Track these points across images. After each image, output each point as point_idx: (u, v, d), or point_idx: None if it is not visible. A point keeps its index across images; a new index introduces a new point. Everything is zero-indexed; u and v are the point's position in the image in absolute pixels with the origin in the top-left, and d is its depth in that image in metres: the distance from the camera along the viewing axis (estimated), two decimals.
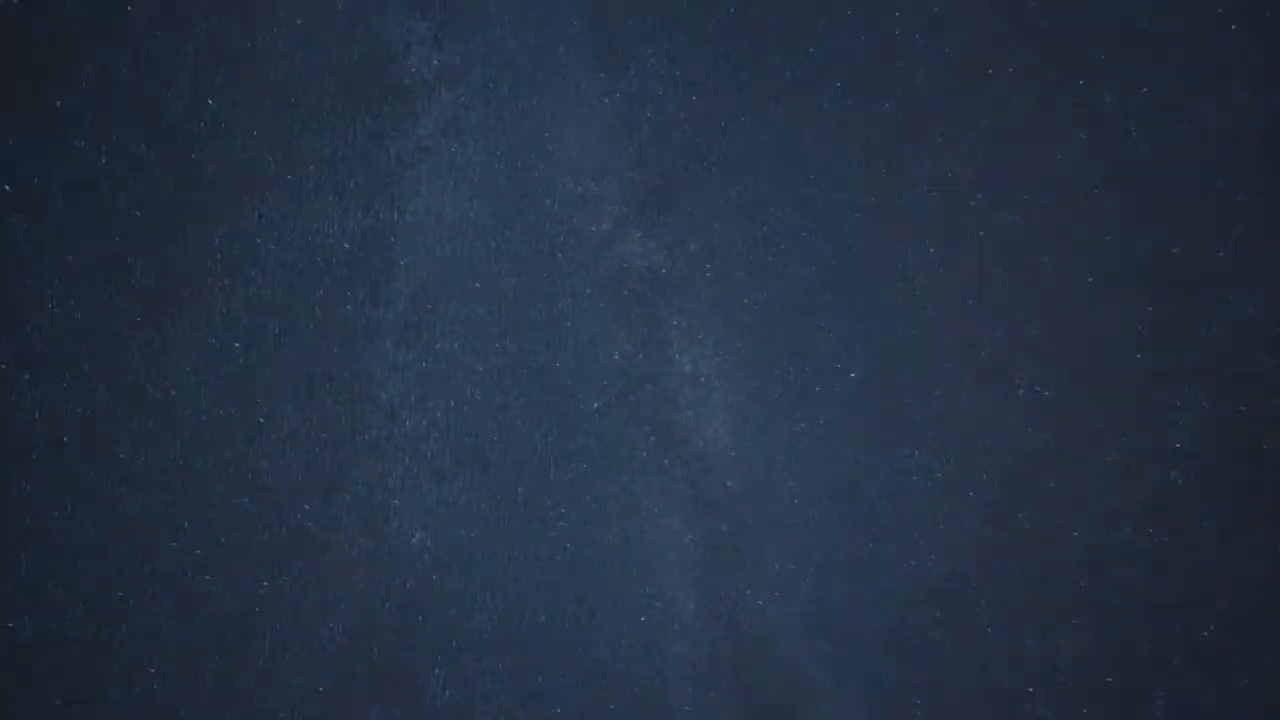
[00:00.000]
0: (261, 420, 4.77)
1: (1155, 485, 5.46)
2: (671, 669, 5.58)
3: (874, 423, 5.74)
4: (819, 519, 5.64)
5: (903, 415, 5.76)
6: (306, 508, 4.95)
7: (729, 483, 5.54)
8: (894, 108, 5.47)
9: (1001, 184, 5.71)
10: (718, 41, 5.21)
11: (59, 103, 4.37)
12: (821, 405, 5.60)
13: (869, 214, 5.55)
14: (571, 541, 5.36)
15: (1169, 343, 5.54)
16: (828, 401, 5.60)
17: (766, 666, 5.75)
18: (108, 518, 4.84)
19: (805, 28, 5.29)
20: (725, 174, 5.38)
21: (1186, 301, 5.57)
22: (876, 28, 5.45)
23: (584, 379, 5.42)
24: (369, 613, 5.07)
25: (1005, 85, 5.52)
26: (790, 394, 5.60)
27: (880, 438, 5.70)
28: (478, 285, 5.16)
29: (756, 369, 5.56)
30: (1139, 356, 5.51)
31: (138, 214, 4.67)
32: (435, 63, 5.03)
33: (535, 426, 5.35)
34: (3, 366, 4.36)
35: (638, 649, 5.54)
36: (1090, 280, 5.47)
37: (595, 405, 5.33)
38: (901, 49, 5.47)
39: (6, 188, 3.87)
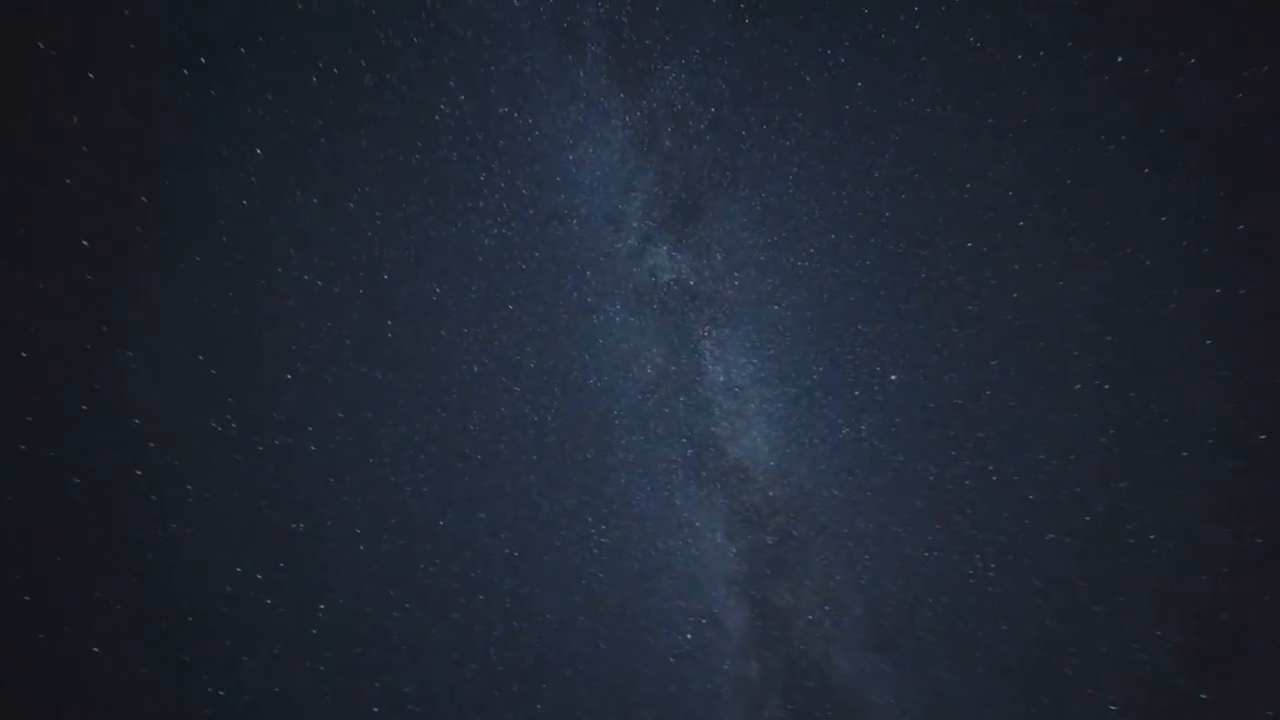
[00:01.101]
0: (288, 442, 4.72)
1: (1231, 481, 4.76)
2: (723, 687, 5.18)
3: (920, 426, 5.26)
4: (868, 528, 5.17)
5: (951, 417, 5.26)
6: (358, 530, 4.85)
7: (771, 493, 5.16)
8: (918, 105, 5.10)
9: (1037, 176, 5.22)
10: (734, 54, 5.00)
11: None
12: (862, 410, 5.17)
13: (900, 212, 5.16)
14: (613, 557, 5.08)
15: (1233, 334, 4.87)
16: (869, 405, 5.17)
17: (822, 684, 5.26)
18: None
19: (823, 33, 5.02)
20: (749, 183, 5.12)
21: (1251, 293, 4.92)
22: (897, 28, 5.11)
23: (618, 394, 5.19)
24: (410, 635, 4.91)
25: (1038, 77, 5.07)
26: (828, 399, 5.21)
27: (928, 441, 5.21)
28: (510, 307, 5.04)
29: (791, 376, 5.20)
30: (1208, 343, 4.86)
31: None
32: (462, 99, 5.01)
33: (571, 442, 5.14)
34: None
35: (686, 666, 5.16)
36: (1148, 264, 4.89)
37: (630, 419, 5.09)
38: (922, 47, 5.10)
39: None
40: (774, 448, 4.86)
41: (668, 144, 4.86)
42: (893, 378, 4.88)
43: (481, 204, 4.93)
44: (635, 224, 4.88)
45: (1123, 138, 4.84)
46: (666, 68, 4.84)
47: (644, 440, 4.90)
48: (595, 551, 4.89)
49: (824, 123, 4.97)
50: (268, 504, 4.91)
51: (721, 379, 4.86)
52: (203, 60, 4.61)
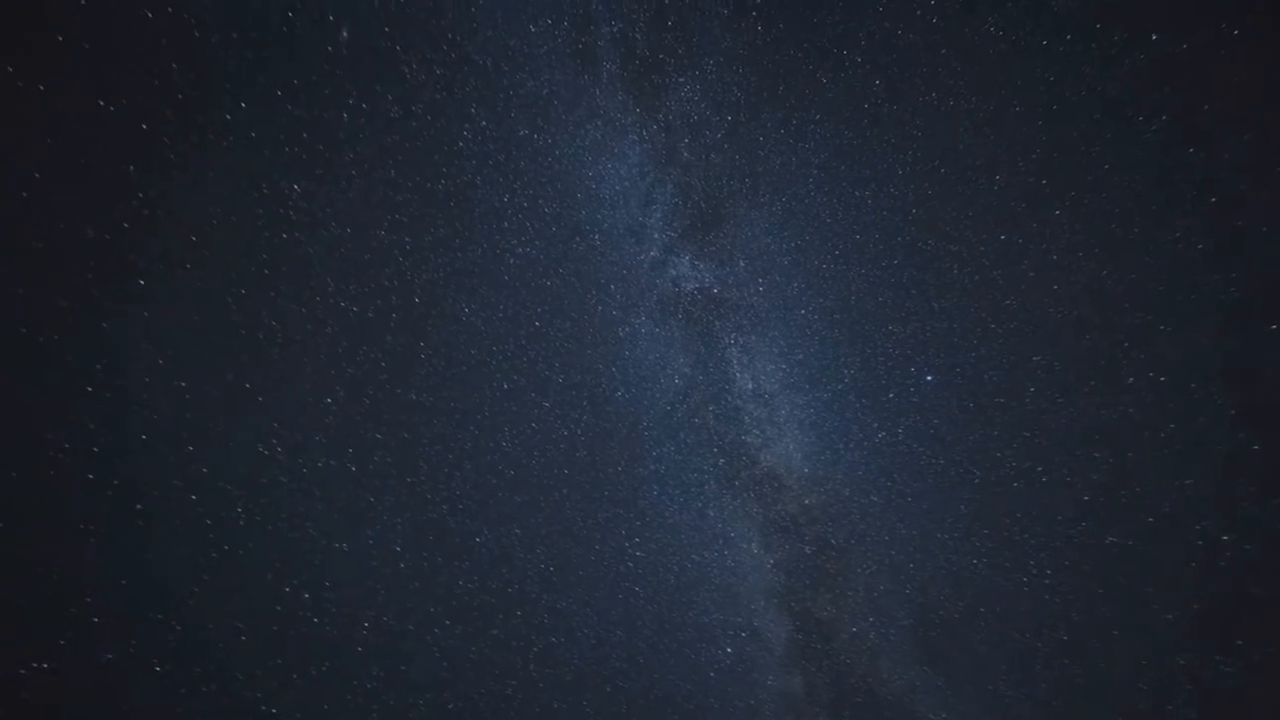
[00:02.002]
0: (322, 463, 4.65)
1: None
2: (766, 703, 4.82)
3: (961, 427, 4.85)
4: (911, 535, 4.77)
5: (994, 417, 4.84)
6: (398, 548, 4.74)
7: (806, 501, 4.82)
8: (940, 98, 4.78)
9: (1072, 161, 4.82)
10: (749, 61, 4.80)
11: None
12: (898, 413, 4.81)
13: (928, 208, 4.82)
14: (648, 570, 4.82)
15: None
16: (905, 408, 4.81)
17: (870, 699, 4.84)
18: None
19: (838, 34, 4.77)
20: (770, 188, 4.88)
21: None
22: (914, 23, 4.82)
23: (647, 405, 4.98)
24: (451, 652, 4.74)
25: (1066, 61, 4.69)
26: (862, 403, 4.87)
27: (970, 443, 4.80)
28: (537, 324, 4.90)
29: (822, 380, 4.88)
30: (1274, 328, 4.34)
31: None
32: (484, 124, 4.95)
33: (602, 456, 4.94)
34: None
35: (728, 682, 4.84)
36: (1200, 246, 4.42)
37: (660, 431, 4.85)
38: (941, 40, 4.80)
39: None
40: (807, 455, 4.53)
41: (686, 154, 4.67)
42: (929, 378, 4.50)
43: (506, 224, 4.84)
44: (657, 235, 4.70)
45: (1163, 116, 4.41)
46: (681, 80, 4.68)
47: (674, 451, 4.65)
48: (630, 565, 4.63)
49: (843, 123, 4.69)
50: (312, 525, 4.85)
51: (750, 386, 4.58)
52: (243, 105, 4.67)
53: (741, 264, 4.71)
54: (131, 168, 4.72)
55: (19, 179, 4.44)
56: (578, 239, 4.88)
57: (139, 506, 4.77)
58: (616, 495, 4.67)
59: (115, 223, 4.76)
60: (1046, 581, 4.36)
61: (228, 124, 4.78)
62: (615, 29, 4.85)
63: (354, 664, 4.93)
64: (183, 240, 4.82)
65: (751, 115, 4.77)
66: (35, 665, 4.74)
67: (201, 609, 4.88)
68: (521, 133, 4.90)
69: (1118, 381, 4.34)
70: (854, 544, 4.57)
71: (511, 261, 4.90)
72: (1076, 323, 4.49)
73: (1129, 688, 4.10)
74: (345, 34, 4.77)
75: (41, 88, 4.28)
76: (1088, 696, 4.15)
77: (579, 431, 4.78)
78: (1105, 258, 4.53)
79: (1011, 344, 4.54)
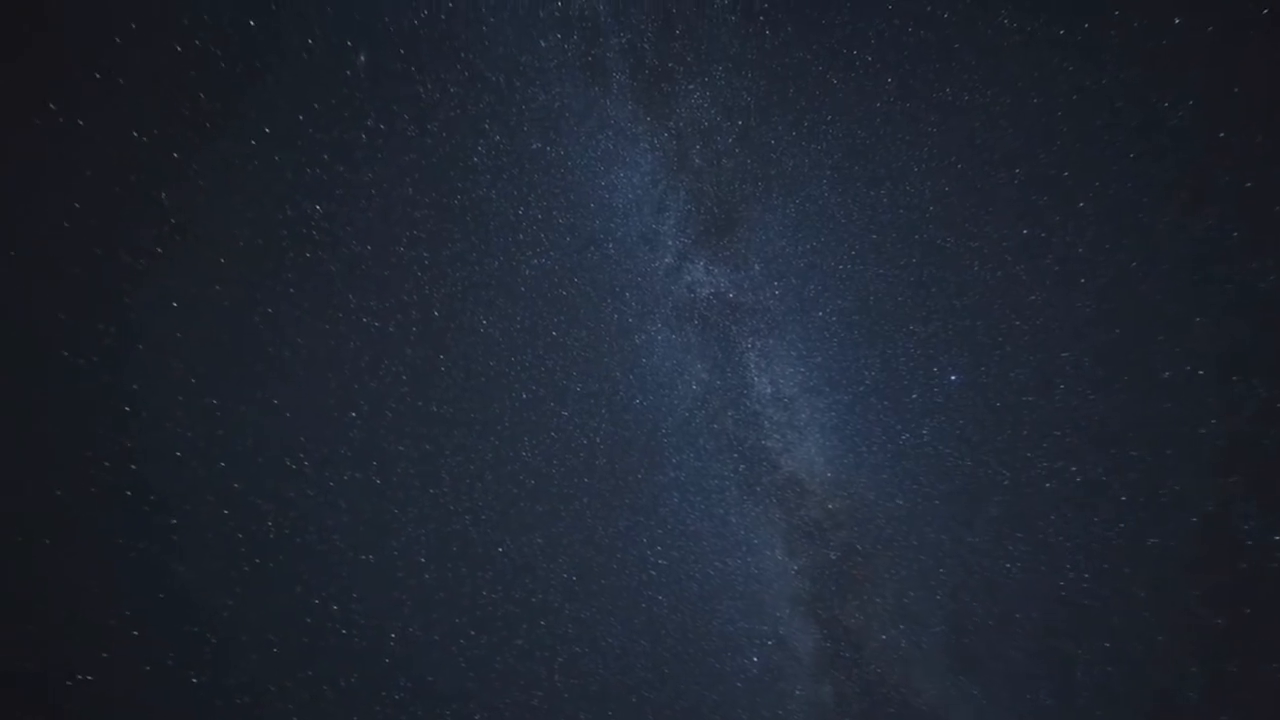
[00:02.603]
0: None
1: None
2: (795, 713, 4.60)
3: (988, 427, 4.60)
4: (940, 540, 4.52)
5: (1022, 415, 4.57)
6: (422, 559, 4.66)
7: (830, 506, 4.61)
8: (954, 93, 4.59)
9: (1095, 151, 4.57)
10: (758, 66, 4.68)
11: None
12: (922, 414, 4.58)
13: (945, 205, 4.61)
14: (671, 578, 4.65)
15: None
16: (929, 409, 4.58)
17: (904, 709, 4.57)
18: None
19: (847, 34, 4.61)
20: (782, 190, 4.72)
21: None
22: (925, 19, 4.64)
23: (665, 412, 4.83)
24: (477, 662, 4.62)
25: (1086, 49, 4.46)
26: (884, 405, 4.65)
27: (999, 443, 4.54)
28: (554, 334, 4.81)
29: (842, 383, 4.68)
30: None
31: None
32: (498, 139, 4.90)
33: (621, 464, 4.80)
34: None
35: (756, 692, 4.62)
36: (1235, 234, 4.12)
37: (679, 437, 4.69)
38: (953, 35, 4.60)
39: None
40: (829, 459, 4.32)
41: (697, 161, 4.55)
42: (952, 378, 4.27)
43: (521, 236, 4.77)
44: (670, 242, 4.57)
45: (1189, 101, 4.14)
46: (691, 87, 4.57)
47: (694, 457, 4.49)
48: (653, 573, 4.46)
49: (855, 123, 4.52)
50: (339, 537, 4.80)
51: (769, 390, 4.40)
52: (267, 130, 4.70)
53: (756, 267, 4.54)
54: (164, 194, 4.77)
55: (61, 209, 4.50)
56: (592, 248, 4.78)
57: (174, 521, 4.78)
58: (637, 503, 4.52)
59: (149, 248, 4.81)
60: (1085, 586, 4.07)
61: (253, 149, 4.81)
62: (624, 40, 4.77)
63: (382, 675, 4.84)
64: (212, 262, 4.85)
65: (762, 119, 4.63)
66: (80, 677, 4.75)
67: (235, 621, 4.85)
68: (534, 145, 4.84)
69: (1153, 376, 4.05)
70: (881, 549, 4.33)
71: (527, 273, 4.82)
72: (1106, 316, 4.22)
73: (1176, 697, 3.79)
74: (363, 58, 4.79)
75: (80, 122, 4.35)
76: (1133, 706, 3.84)
77: (598, 440, 4.65)
78: (1134, 249, 4.26)
79: (1038, 340, 4.29)
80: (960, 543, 4.30)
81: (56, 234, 4.59)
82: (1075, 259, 4.43)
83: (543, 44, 4.83)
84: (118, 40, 4.53)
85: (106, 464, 4.76)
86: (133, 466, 4.88)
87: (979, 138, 4.53)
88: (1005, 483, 4.23)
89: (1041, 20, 4.31)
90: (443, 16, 4.78)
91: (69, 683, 4.78)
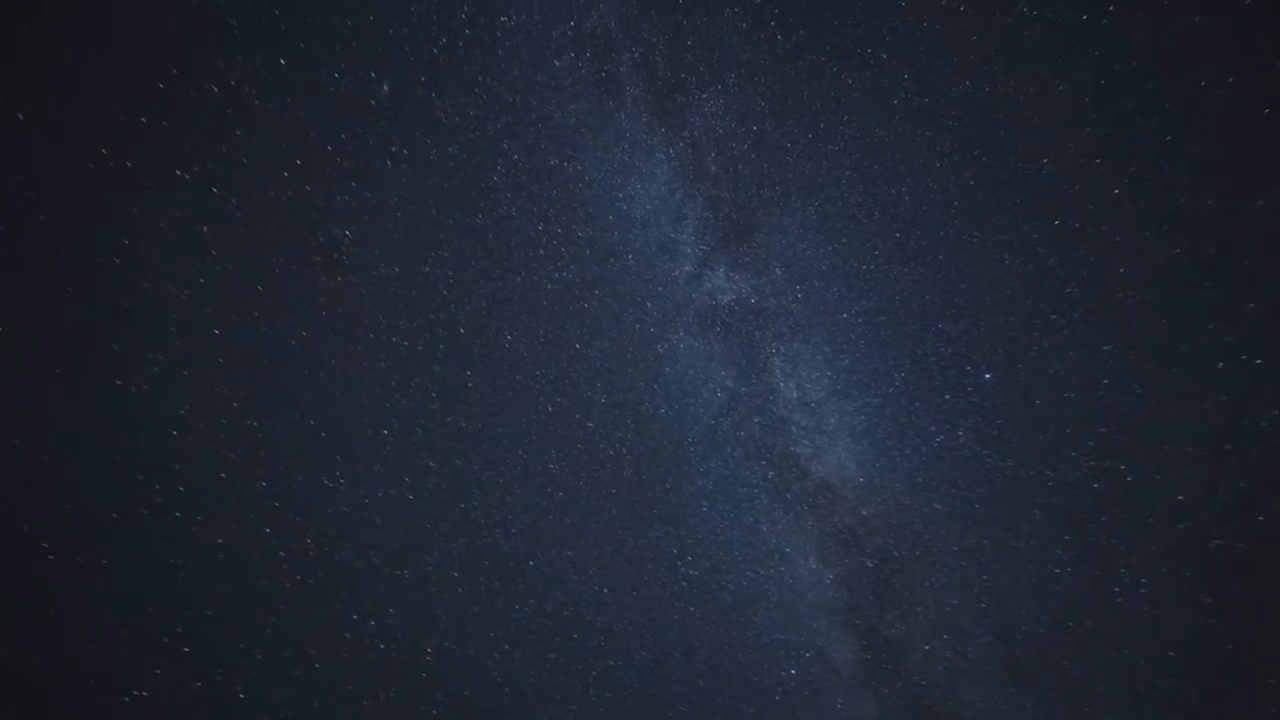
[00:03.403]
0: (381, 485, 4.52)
1: None
2: None
3: (1028, 426, 4.26)
4: (982, 545, 4.18)
5: (1064, 413, 4.22)
6: (455, 574, 4.53)
7: (864, 512, 4.32)
8: (974, 86, 4.32)
9: (1129, 135, 4.23)
10: (771, 71, 4.51)
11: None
12: (956, 414, 4.27)
13: (970, 199, 4.33)
14: (703, 589, 4.41)
15: None
16: (963, 409, 4.26)
17: None
18: None
19: (860, 34, 4.40)
20: (801, 193, 4.51)
21: None
22: (940, 13, 4.40)
23: (690, 421, 4.63)
24: (512, 676, 4.45)
25: (1112, 33, 4.16)
26: (915, 407, 4.35)
27: (1040, 442, 4.20)
28: (577, 346, 4.67)
29: (870, 385, 4.41)
30: None
31: None
32: (516, 158, 4.84)
33: (649, 474, 4.61)
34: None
35: (795, 705, 4.34)
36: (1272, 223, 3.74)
37: (705, 446, 4.47)
38: (970, 27, 4.35)
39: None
40: (861, 463, 4.04)
41: (713, 168, 4.38)
42: (987, 376, 3.96)
43: (541, 251, 4.67)
44: (690, 250, 4.41)
45: (1230, 79, 3.79)
46: (704, 96, 4.42)
47: (721, 465, 4.26)
48: (684, 584, 4.24)
49: (873, 121, 4.29)
50: (376, 553, 4.71)
51: (795, 396, 4.16)
52: (299, 162, 4.73)
53: (778, 272, 4.32)
54: (205, 228, 4.82)
55: (112, 246, 4.58)
56: (612, 260, 4.65)
57: (219, 540, 4.76)
58: (666, 513, 4.31)
59: (193, 279, 4.86)
60: (1143, 591, 3.68)
61: (286, 180, 4.85)
62: (636, 54, 4.67)
63: (420, 690, 4.71)
64: (250, 290, 4.87)
65: (777, 123, 4.43)
66: (136, 693, 4.76)
67: (279, 637, 4.80)
68: (552, 162, 4.75)
69: (1206, 367, 3.67)
70: (919, 556, 4.01)
71: (549, 286, 4.70)
72: (1151, 306, 3.86)
73: (1251, 711, 3.36)
74: (386, 88, 4.79)
75: (128, 164, 4.45)
76: (1188, 716, 3.43)
77: (624, 450, 4.47)
78: (1177, 234, 3.90)
79: (1078, 334, 3.95)
80: (1004, 547, 3.95)
81: (109, 270, 4.68)
82: (1113, 248, 4.08)
83: (557, 63, 4.76)
84: (160, 86, 4.62)
85: (156, 486, 4.81)
86: (180, 488, 4.90)
87: (1003, 130, 4.24)
88: (1050, 484, 3.87)
89: (1063, 6, 4.02)
90: (460, 44, 4.76)
91: (126, 699, 4.78)
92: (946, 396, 4.11)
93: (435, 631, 4.82)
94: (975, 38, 4.38)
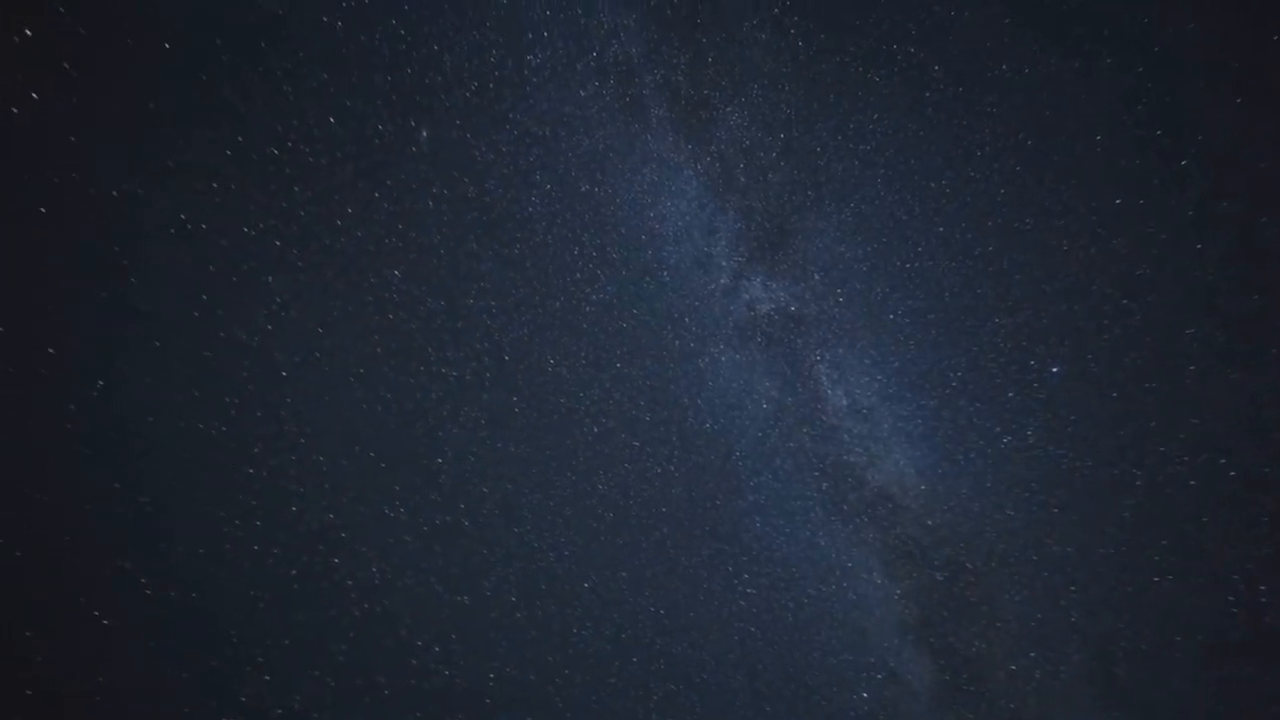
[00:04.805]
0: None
1: None
2: None
3: (1105, 421, 3.69)
4: (1065, 553, 3.62)
5: (1147, 405, 3.64)
6: (513, 599, 4.28)
7: (929, 521, 3.82)
8: (1012, 69, 3.89)
9: (1196, 105, 3.68)
10: (794, 77, 4.21)
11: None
12: (1023, 412, 3.76)
13: (1018, 185, 3.87)
14: (762, 608, 4.00)
15: None
16: (1030, 407, 3.75)
17: None
18: None
19: (884, 31, 4.06)
20: (834, 196, 4.16)
21: None
22: (969, 2, 4.00)
23: (737, 434, 4.28)
24: (573, 702, 4.14)
25: (1163, 3, 3.66)
26: (976, 407, 3.85)
27: (1123, 438, 3.61)
28: (618, 365, 4.42)
29: (925, 387, 3.94)
30: None
31: None
32: (549, 187, 4.70)
33: (698, 491, 4.26)
34: None
35: None
36: None
37: (754, 460, 4.10)
38: (1004, 11, 3.93)
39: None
40: (921, 470, 3.56)
41: (742, 179, 4.10)
42: (1053, 370, 3.44)
43: (578, 275, 4.49)
44: (724, 263, 4.13)
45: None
46: (729, 109, 4.16)
47: (773, 479, 3.88)
48: (742, 604, 3.84)
49: (904, 116, 3.90)
50: (436, 579, 4.53)
51: (845, 403, 3.75)
52: (349, 210, 4.74)
53: (816, 277, 3.95)
54: (270, 278, 4.87)
55: (187, 299, 4.66)
56: (647, 278, 4.40)
57: (293, 572, 4.69)
58: (718, 531, 3.94)
59: (261, 325, 4.90)
60: (1262, 600, 3.03)
61: (339, 228, 4.87)
62: (658, 76, 4.47)
63: (484, 716, 4.44)
64: (312, 334, 4.87)
65: (805, 128, 4.11)
66: None
67: (351, 666, 4.67)
68: (583, 188, 4.59)
69: None
70: (995, 567, 3.47)
71: (587, 309, 4.49)
72: (1237, 282, 3.27)
73: None
74: (425, 134, 4.77)
75: (204, 226, 4.55)
76: None
77: (672, 468, 4.16)
78: (1259, 202, 3.30)
79: (1154, 318, 3.39)
80: (1090, 555, 3.38)
81: (184, 321, 4.76)
82: (1186, 223, 3.52)
83: (582, 93, 4.63)
84: (228, 153, 4.73)
85: (237, 522, 4.81)
86: (257, 523, 4.88)
87: (1048, 110, 3.76)
88: (1137, 483, 3.29)
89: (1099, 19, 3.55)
90: (491, 85, 4.70)
91: None
92: (1010, 394, 3.60)
93: (496, 657, 4.56)
94: (1008, 20, 3.94)
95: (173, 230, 4.84)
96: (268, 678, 4.93)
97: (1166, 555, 3.49)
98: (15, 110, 4.09)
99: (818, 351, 4.18)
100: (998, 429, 3.79)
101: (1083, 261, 3.80)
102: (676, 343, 4.63)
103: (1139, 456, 3.57)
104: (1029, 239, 3.92)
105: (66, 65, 4.32)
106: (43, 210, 4.33)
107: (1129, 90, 3.77)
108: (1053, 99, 3.94)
